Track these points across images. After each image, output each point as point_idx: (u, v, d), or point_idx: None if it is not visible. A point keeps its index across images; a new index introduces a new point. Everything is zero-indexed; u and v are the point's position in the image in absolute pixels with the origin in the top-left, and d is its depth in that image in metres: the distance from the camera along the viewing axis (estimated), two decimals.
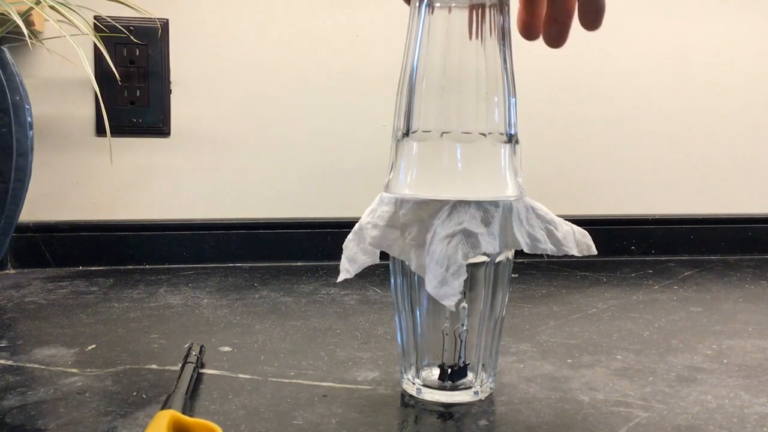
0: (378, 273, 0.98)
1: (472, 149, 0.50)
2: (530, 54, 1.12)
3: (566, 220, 0.53)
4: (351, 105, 1.10)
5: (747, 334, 0.73)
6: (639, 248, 1.17)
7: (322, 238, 1.09)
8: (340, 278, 0.53)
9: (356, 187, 1.11)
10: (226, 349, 0.66)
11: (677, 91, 1.19)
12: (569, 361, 0.63)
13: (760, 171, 1.23)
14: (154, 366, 0.61)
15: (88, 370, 0.59)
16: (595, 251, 0.53)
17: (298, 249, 1.09)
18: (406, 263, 0.51)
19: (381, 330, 0.73)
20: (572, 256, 0.52)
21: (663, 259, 1.16)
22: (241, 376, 0.58)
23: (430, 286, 0.47)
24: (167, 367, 0.60)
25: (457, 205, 0.49)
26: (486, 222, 0.49)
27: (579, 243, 0.52)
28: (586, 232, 0.53)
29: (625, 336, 0.71)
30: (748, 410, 0.52)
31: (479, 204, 0.49)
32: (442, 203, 0.49)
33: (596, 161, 1.18)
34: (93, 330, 0.71)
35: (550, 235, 0.52)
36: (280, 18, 1.08)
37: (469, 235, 0.47)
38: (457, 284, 0.46)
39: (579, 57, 1.16)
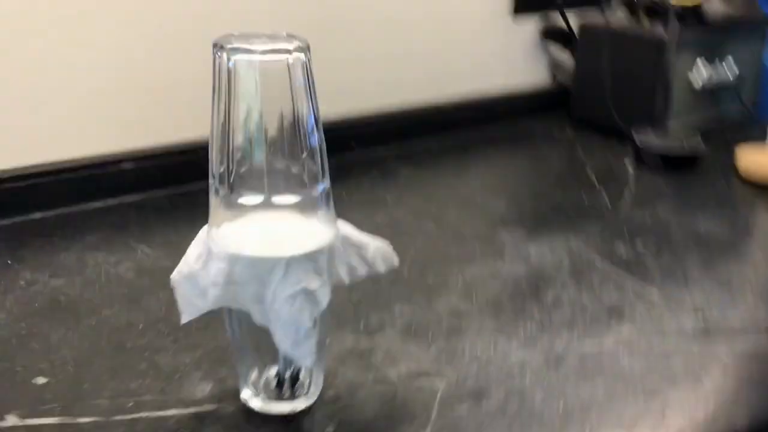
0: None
1: (291, 204, 0.55)
2: None
3: None
4: None
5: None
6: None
7: None
8: (184, 319, 0.56)
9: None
10: (41, 380, 0.63)
11: None
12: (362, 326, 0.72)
13: None
14: None
15: None
16: (397, 263, 0.62)
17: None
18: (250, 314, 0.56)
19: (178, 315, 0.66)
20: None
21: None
22: (80, 420, 0.58)
23: (284, 346, 0.53)
24: None
25: (291, 261, 0.54)
26: (318, 271, 0.55)
27: (385, 259, 0.61)
28: (388, 246, 0.61)
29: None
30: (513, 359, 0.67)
31: (309, 255, 0.55)
32: (276, 260, 0.54)
33: None
34: None
35: (363, 258, 0.60)
36: None
37: (309, 294, 0.54)
38: (310, 344, 0.53)
39: None
